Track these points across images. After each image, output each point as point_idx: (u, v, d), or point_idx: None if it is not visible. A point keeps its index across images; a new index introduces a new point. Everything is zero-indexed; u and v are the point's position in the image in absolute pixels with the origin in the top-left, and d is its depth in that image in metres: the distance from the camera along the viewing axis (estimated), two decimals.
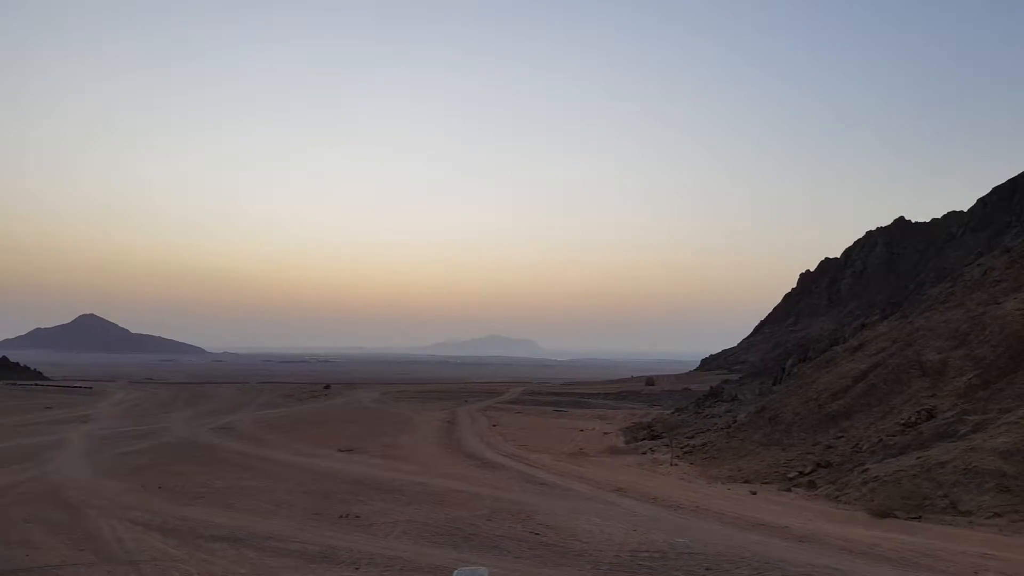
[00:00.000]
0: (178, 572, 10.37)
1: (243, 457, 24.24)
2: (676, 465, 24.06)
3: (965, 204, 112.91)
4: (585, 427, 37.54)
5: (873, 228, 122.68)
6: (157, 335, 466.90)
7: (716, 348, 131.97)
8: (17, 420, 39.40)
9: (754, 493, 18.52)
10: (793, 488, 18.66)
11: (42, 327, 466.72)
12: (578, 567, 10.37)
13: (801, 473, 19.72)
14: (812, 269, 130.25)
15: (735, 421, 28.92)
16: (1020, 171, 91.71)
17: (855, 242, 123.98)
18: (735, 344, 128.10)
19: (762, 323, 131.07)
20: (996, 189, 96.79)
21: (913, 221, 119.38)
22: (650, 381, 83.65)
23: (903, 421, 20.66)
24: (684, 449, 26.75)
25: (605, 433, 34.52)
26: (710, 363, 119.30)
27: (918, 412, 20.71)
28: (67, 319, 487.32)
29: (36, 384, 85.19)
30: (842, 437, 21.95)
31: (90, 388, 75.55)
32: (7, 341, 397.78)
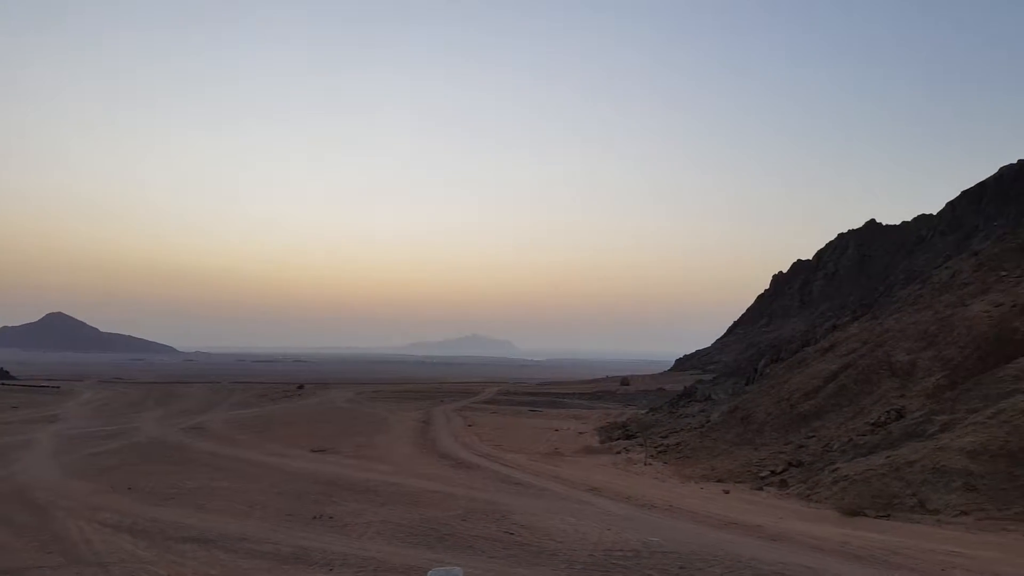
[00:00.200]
0: (147, 574, 10.24)
1: (214, 457, 23.99)
2: (650, 464, 24.19)
3: (935, 207, 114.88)
4: (560, 427, 37.61)
5: (845, 230, 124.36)
6: (127, 334, 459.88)
7: (690, 348, 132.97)
8: None
9: (727, 492, 18.67)
10: (765, 487, 18.85)
11: (9, 325, 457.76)
12: (552, 566, 10.38)
13: (773, 472, 19.92)
14: (785, 271, 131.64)
15: (708, 421, 29.14)
16: (988, 175, 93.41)
17: (827, 244, 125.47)
18: (709, 344, 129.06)
19: (735, 324, 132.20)
20: (965, 193, 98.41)
21: (884, 224, 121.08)
22: (625, 381, 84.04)
23: (873, 421, 20.96)
24: (658, 449, 26.90)
25: (580, 433, 34.61)
26: (684, 363, 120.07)
27: (887, 412, 21.02)
28: (34, 317, 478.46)
29: (2, 383, 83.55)
30: (813, 437, 22.21)
31: (58, 388, 74.28)
32: None
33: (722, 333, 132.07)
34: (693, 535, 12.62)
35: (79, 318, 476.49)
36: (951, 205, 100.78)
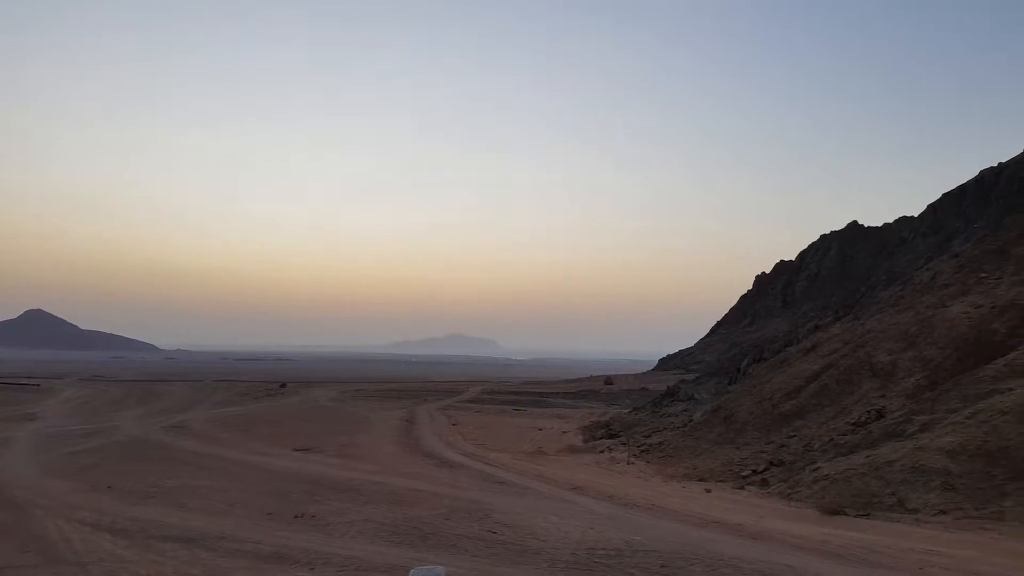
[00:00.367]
0: (127, 573, 10.15)
1: (196, 456, 23.83)
2: (633, 464, 24.26)
3: (916, 210, 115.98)
4: (544, 426, 37.65)
5: (827, 232, 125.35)
6: (108, 332, 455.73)
7: (674, 348, 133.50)
8: None
9: (708, 491, 18.76)
10: (747, 486, 18.95)
11: None
12: (535, 565, 10.39)
13: (754, 471, 20.03)
14: (768, 271, 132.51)
15: (691, 420, 29.27)
16: (969, 178, 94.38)
17: (810, 245, 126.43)
18: (692, 344, 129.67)
19: (718, 324, 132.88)
20: (946, 195, 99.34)
21: (866, 225, 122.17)
22: (608, 380, 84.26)
23: (854, 421, 21.12)
24: (640, 448, 26.99)
25: (563, 432, 34.66)
26: (668, 363, 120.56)
27: (868, 412, 21.19)
28: (13, 314, 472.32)
29: None
30: (794, 436, 22.36)
31: (37, 385, 73.46)
32: None
33: (705, 333, 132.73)
34: (675, 534, 12.67)
35: (59, 315, 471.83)
36: (932, 207, 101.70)
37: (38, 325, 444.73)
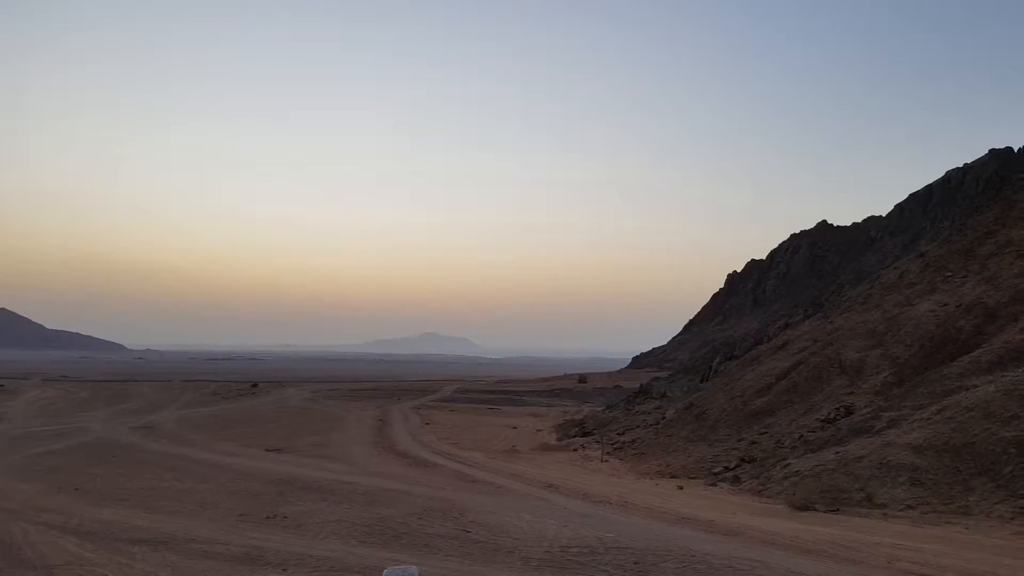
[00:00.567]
0: None
1: (165, 457, 23.53)
2: (606, 461, 24.37)
3: (884, 209, 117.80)
4: (518, 424, 37.70)
5: (798, 231, 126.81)
6: (74, 331, 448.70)
7: (647, 346, 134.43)
8: None
9: (681, 488, 18.90)
10: (718, 483, 19.12)
11: None
12: (509, 564, 10.40)
13: (726, 468, 20.23)
14: (739, 270, 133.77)
15: (664, 418, 29.47)
16: (935, 179, 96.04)
17: (780, 244, 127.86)
18: (665, 342, 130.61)
19: (691, 322, 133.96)
20: (912, 196, 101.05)
21: (835, 225, 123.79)
22: (582, 379, 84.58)
23: (823, 417, 21.41)
24: (614, 445, 27.13)
25: (537, 430, 34.74)
26: (641, 361, 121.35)
27: (837, 409, 21.49)
28: None
29: None
30: (765, 433, 22.61)
31: (2, 386, 72.09)
32: None
33: (678, 331, 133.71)
34: (648, 531, 12.75)
35: (23, 314, 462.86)
36: (899, 207, 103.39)
37: (2, 324, 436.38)
